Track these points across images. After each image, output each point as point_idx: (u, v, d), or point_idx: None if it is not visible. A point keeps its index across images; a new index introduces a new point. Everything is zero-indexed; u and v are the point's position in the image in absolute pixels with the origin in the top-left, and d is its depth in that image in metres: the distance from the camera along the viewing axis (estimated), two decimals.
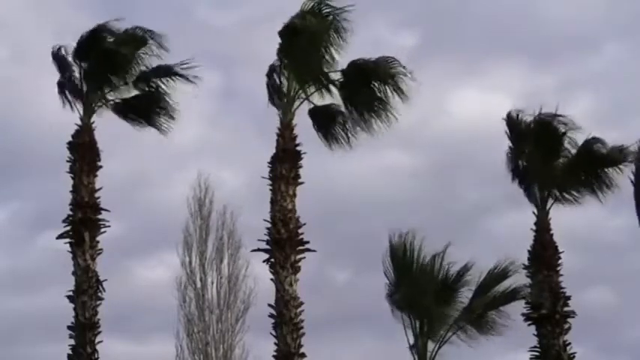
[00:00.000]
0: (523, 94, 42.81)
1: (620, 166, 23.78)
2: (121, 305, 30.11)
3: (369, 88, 22.63)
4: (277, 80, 22.77)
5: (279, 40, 22.26)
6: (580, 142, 24.29)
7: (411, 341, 22.82)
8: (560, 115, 24.07)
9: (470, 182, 39.70)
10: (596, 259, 36.05)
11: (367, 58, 22.51)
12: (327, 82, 22.66)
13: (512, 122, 24.06)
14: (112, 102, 23.24)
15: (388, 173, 39.76)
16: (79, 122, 22.55)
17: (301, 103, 22.66)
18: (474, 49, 45.22)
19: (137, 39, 22.73)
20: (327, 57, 22.52)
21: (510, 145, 24.17)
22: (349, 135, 23.05)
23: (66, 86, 22.87)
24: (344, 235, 36.81)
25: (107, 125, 23.00)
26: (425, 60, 42.66)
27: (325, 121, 23.05)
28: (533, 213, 23.83)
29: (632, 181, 22.80)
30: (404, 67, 22.22)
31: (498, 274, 23.08)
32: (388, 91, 22.51)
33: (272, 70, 22.86)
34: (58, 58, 22.96)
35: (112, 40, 22.68)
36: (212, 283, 33.29)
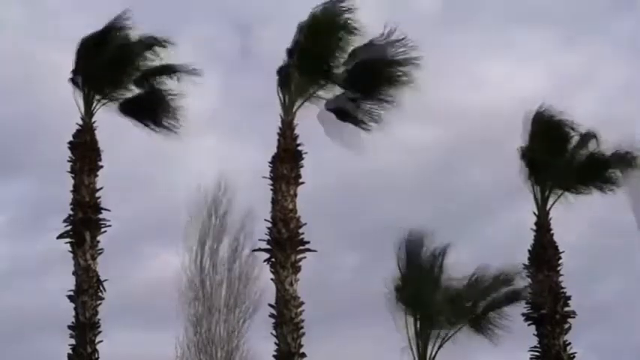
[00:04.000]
0: (550, 68, 42.26)
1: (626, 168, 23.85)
2: (126, 301, 30.25)
3: (379, 80, 22.71)
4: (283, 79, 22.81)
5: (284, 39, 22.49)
6: (585, 141, 24.33)
7: (411, 339, 22.85)
8: (567, 115, 24.18)
9: (484, 167, 39.23)
10: (605, 253, 35.93)
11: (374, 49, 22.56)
12: (336, 80, 22.74)
13: (532, 122, 24.10)
14: (113, 101, 23.26)
15: (398, 156, 39.18)
16: (80, 122, 22.60)
17: (304, 101, 22.72)
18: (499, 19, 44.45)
19: (145, 45, 22.79)
20: (338, 55, 22.63)
21: (526, 142, 24.19)
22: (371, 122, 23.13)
23: (74, 83, 22.89)
24: (354, 223, 36.69)
25: (112, 121, 23.11)
26: (446, 28, 42.19)
27: (347, 112, 23.09)
28: (534, 213, 23.88)
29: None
30: (414, 55, 22.35)
31: (503, 279, 23.08)
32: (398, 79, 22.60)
33: (281, 69, 22.87)
34: (79, 50, 22.83)
35: (118, 42, 22.69)
36: (221, 282, 33.35)
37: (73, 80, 22.73)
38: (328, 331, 30.67)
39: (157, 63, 23.12)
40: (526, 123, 24.40)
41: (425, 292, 22.62)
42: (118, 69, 22.95)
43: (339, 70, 22.76)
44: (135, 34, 22.85)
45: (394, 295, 22.62)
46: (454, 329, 22.91)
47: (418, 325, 22.74)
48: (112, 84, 23.04)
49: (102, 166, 22.35)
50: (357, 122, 23.01)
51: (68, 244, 21.92)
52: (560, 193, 24.25)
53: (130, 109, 23.43)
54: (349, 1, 22.33)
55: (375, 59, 22.59)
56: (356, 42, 22.61)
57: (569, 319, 23.28)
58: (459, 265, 23.22)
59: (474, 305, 23.19)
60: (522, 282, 23.26)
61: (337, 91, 22.91)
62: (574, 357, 23.00)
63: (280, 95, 22.71)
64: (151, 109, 23.47)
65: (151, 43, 22.88)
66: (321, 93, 22.91)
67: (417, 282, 22.72)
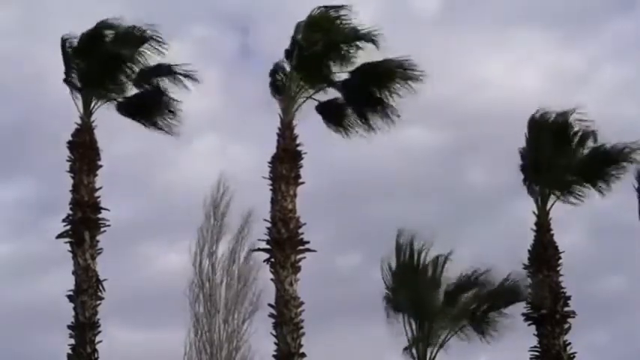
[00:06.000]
0: (550, 68, 42.22)
1: (626, 164, 23.86)
2: (125, 301, 30.18)
3: (377, 88, 22.74)
4: (279, 79, 22.80)
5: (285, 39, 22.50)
6: (584, 141, 24.30)
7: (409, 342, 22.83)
8: (567, 115, 24.09)
9: (484, 167, 39.24)
10: (605, 253, 35.88)
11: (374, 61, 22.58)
12: (335, 83, 22.73)
13: (535, 123, 24.05)
14: (112, 101, 23.24)
15: (399, 156, 39.28)
16: (79, 121, 22.56)
17: (303, 102, 22.74)
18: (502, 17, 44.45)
19: (137, 38, 22.71)
20: (336, 57, 22.64)
21: (526, 143, 24.14)
22: (361, 124, 23.12)
23: (68, 83, 22.87)
24: (356, 218, 36.63)
25: (111, 120, 23.10)
26: (445, 28, 42.19)
27: (335, 115, 23.14)
28: (534, 213, 23.85)
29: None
30: (414, 68, 22.32)
31: (509, 287, 23.06)
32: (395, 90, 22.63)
33: (275, 70, 22.88)
34: (64, 51, 22.88)
35: (111, 39, 22.67)
36: (221, 283, 33.32)
37: (67, 80, 22.74)
38: (328, 331, 30.69)
39: (154, 62, 23.13)
40: (526, 123, 24.39)
41: (423, 295, 22.63)
42: (114, 68, 22.94)
43: (338, 73, 22.81)
44: (132, 33, 22.82)
45: (387, 302, 22.69)
46: (454, 330, 22.94)
47: (418, 327, 22.79)
48: (109, 83, 23.02)
49: (101, 166, 22.35)
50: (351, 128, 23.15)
51: (68, 244, 21.93)
52: (560, 193, 24.20)
53: (128, 108, 23.44)
54: (348, 6, 22.36)
55: (374, 65, 22.60)
56: (355, 45, 22.61)
57: (569, 319, 23.22)
58: (459, 266, 23.33)
59: (475, 307, 23.23)
60: (524, 283, 23.33)
61: (336, 93, 22.99)
62: (574, 357, 22.95)
63: (279, 95, 22.73)
64: (149, 109, 23.50)
65: (147, 41, 22.85)
66: (320, 94, 22.97)
67: (414, 285, 22.76)
